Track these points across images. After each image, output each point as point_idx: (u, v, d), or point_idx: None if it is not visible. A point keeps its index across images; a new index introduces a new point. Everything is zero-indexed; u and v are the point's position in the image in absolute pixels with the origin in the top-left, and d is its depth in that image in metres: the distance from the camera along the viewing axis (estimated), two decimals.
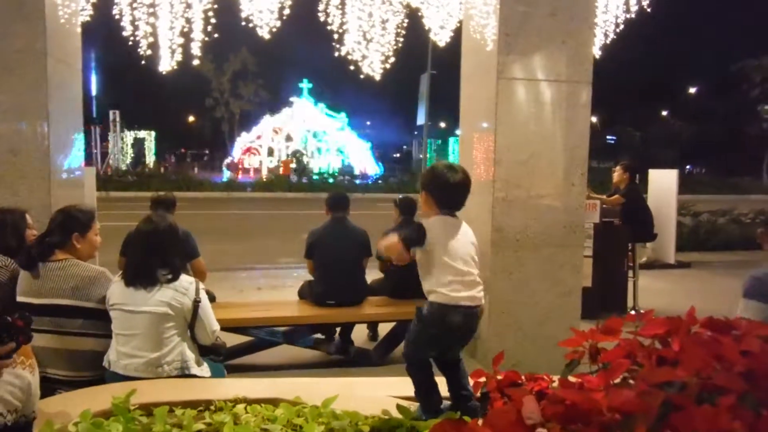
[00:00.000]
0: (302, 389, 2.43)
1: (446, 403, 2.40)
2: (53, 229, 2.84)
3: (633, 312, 6.37)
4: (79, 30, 3.98)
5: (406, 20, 5.61)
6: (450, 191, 2.46)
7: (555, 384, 2.38)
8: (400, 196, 5.34)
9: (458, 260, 2.41)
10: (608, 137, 45.27)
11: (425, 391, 2.39)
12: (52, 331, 2.72)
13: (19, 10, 3.42)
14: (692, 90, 47.10)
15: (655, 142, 44.81)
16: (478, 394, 2.43)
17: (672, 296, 7.26)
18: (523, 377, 2.43)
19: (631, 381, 1.81)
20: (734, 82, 32.88)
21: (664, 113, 49.50)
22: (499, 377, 2.43)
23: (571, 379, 2.01)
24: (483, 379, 2.47)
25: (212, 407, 2.27)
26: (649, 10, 5.80)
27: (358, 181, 28.65)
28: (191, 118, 48.80)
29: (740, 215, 11.89)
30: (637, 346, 1.85)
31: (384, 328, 5.07)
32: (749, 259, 10.06)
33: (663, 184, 8.24)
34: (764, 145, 33.86)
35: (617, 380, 1.78)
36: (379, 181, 28.58)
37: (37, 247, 2.80)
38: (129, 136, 39.20)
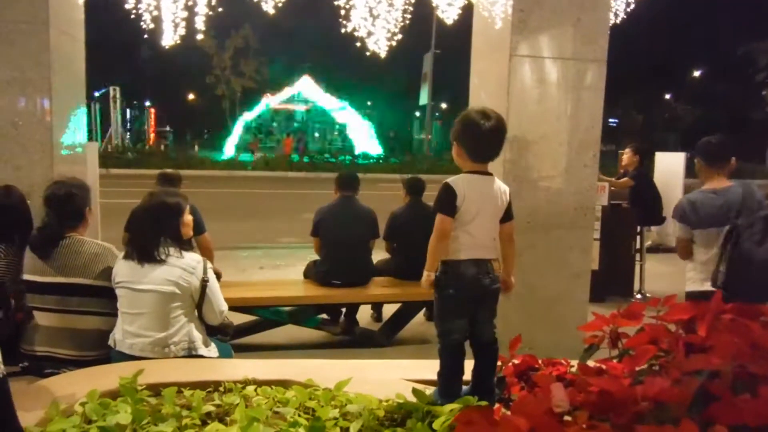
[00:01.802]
0: (313, 371, 2.38)
1: (464, 387, 2.35)
2: (67, 210, 2.77)
3: (639, 296, 6.34)
4: (81, 1, 3.87)
5: None
6: (482, 140, 2.32)
7: (573, 369, 2.34)
8: (408, 176, 5.27)
9: (481, 223, 2.33)
10: (610, 120, 44.99)
11: (451, 375, 2.33)
12: (57, 310, 2.67)
13: None
14: (696, 73, 46.74)
15: (658, 125, 44.59)
16: (496, 378, 2.39)
17: (678, 280, 7.19)
18: (540, 362, 2.38)
19: (655, 368, 1.76)
20: (739, 66, 32.59)
21: (668, 96, 49.20)
22: (516, 361, 2.39)
23: (591, 363, 1.97)
24: (499, 363, 2.43)
25: (221, 388, 2.23)
26: None
27: (360, 161, 28.52)
28: (191, 96, 48.46)
29: None
30: (663, 332, 1.80)
31: (388, 310, 5.04)
32: None
33: (669, 168, 8.16)
34: None
35: (642, 366, 1.73)
36: (380, 161, 28.45)
37: (49, 230, 2.73)
38: (128, 113, 38.99)
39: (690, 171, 7.92)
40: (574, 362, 2.30)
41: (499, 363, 2.39)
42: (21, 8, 3.34)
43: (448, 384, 2.29)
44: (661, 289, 6.40)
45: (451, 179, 2.33)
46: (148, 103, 41.77)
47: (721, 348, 1.43)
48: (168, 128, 42.02)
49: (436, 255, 2.32)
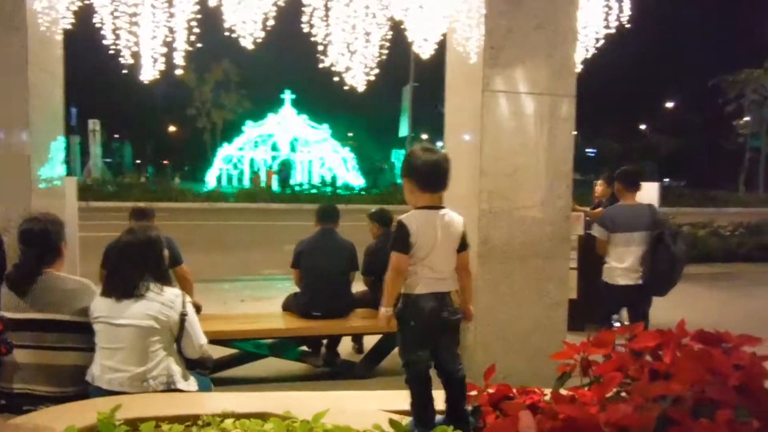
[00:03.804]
0: (291, 403, 2.40)
1: (439, 417, 2.38)
2: (44, 247, 2.77)
3: (618, 324, 6.41)
4: (60, 38, 3.93)
5: (390, 33, 5.63)
6: (430, 172, 2.47)
7: (547, 397, 2.38)
8: (373, 210, 5.32)
9: (437, 257, 2.42)
10: (588, 150, 45.85)
11: (421, 404, 2.38)
12: (33, 346, 2.66)
13: (1, 17, 3.36)
14: (669, 105, 47.93)
15: (634, 155, 45.45)
16: (470, 408, 2.42)
17: (655, 308, 7.31)
18: (514, 390, 2.42)
19: (623, 394, 1.81)
20: (711, 97, 33.59)
21: (643, 127, 50.31)
22: (490, 391, 2.42)
23: (563, 392, 2.01)
24: (474, 393, 2.47)
25: (200, 422, 2.23)
26: (628, 26, 5.88)
27: (341, 192, 28.60)
28: (172, 128, 48.43)
29: (720, 228, 12.07)
30: (629, 359, 1.86)
31: (369, 341, 5.04)
32: (729, 272, 10.22)
33: (645, 197, 8.30)
34: (740, 159, 34.48)
35: (610, 393, 1.78)
36: (362, 192, 28.55)
37: (27, 268, 2.72)
38: (109, 146, 38.80)
39: (667, 200, 8.09)
40: (547, 390, 2.35)
41: (474, 392, 2.42)
42: (1, 46, 3.38)
43: (420, 413, 2.34)
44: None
45: (403, 216, 2.43)
46: (128, 137, 41.61)
47: (682, 374, 1.49)
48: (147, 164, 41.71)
49: (393, 292, 2.40)
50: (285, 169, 35.25)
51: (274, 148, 35.77)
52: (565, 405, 1.52)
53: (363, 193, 28.31)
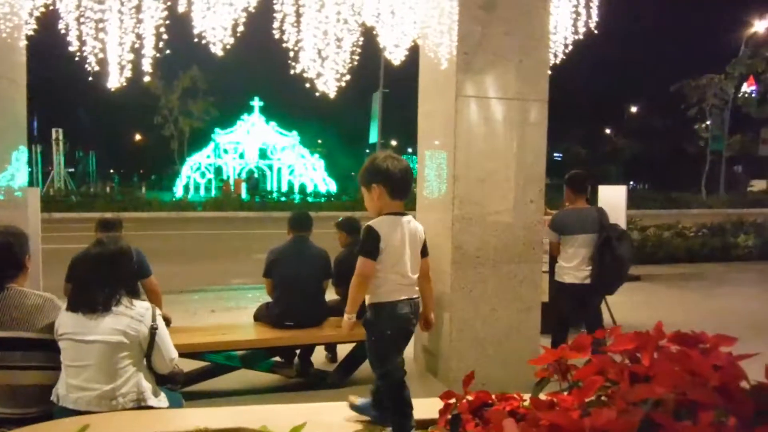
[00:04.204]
0: (267, 417, 2.34)
1: None
2: (7, 261, 2.65)
3: (584, 331, 6.47)
4: (23, 44, 3.81)
5: (362, 39, 5.62)
6: (398, 178, 2.51)
7: (526, 403, 2.37)
8: (340, 219, 5.28)
9: (406, 263, 2.46)
10: (555, 154, 46.55)
11: (403, 413, 2.36)
12: None
13: None
14: (634, 109, 48.98)
15: (600, 159, 46.32)
16: (449, 416, 2.39)
17: (626, 309, 7.42)
18: (493, 397, 2.40)
19: (603, 398, 1.81)
20: (674, 102, 34.39)
21: (608, 131, 51.31)
22: (469, 398, 2.40)
23: (543, 397, 2.00)
24: (453, 401, 2.44)
25: None
26: (596, 32, 5.97)
27: (310, 199, 28.45)
28: (138, 137, 47.65)
29: (684, 229, 12.33)
30: (609, 363, 1.86)
31: (343, 350, 4.99)
32: (694, 272, 10.44)
33: (612, 200, 8.44)
34: (702, 162, 35.36)
35: (591, 398, 1.78)
36: (332, 199, 28.48)
37: None
38: (73, 155, 38.00)
39: (632, 202, 8.22)
40: (527, 396, 2.34)
41: (453, 400, 2.40)
42: None
43: (401, 422, 2.31)
44: (609, 319, 6.57)
45: (373, 222, 2.44)
46: (92, 146, 40.83)
47: (663, 377, 1.48)
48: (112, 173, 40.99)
49: (359, 298, 2.43)
50: (253, 178, 34.96)
51: (242, 155, 35.46)
52: (547, 411, 1.50)
53: (333, 200, 28.22)
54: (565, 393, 1.96)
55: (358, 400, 2.51)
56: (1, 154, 3.48)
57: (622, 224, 8.48)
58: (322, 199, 28.36)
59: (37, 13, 4.21)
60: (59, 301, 2.72)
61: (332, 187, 34.39)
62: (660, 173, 46.78)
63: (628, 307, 7.57)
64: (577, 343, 2.04)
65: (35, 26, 4.22)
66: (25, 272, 2.74)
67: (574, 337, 2.16)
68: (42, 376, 2.60)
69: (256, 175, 35.57)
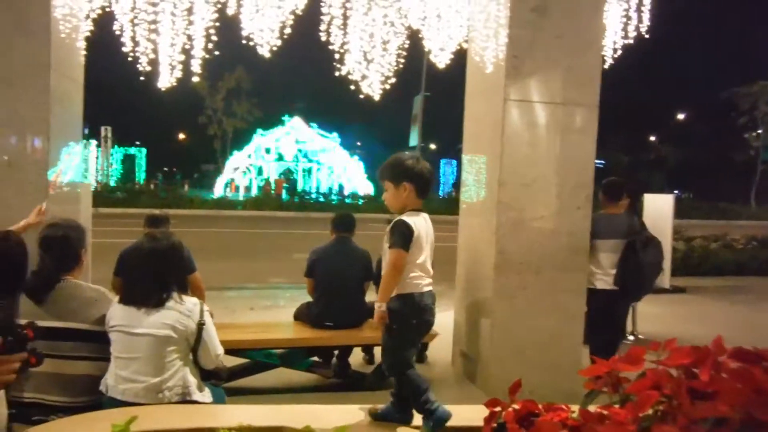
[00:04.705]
0: (309, 417, 2.34)
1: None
2: (64, 254, 2.72)
3: (632, 338, 6.33)
4: (82, 45, 3.92)
5: (407, 42, 5.61)
6: (427, 179, 2.69)
7: (575, 414, 2.31)
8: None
9: (427, 258, 2.61)
10: (597, 161, 45.51)
11: (421, 393, 2.46)
12: (48, 355, 2.60)
13: (25, 24, 3.36)
14: (680, 116, 47.76)
15: (643, 166, 45.26)
16: (494, 425, 2.36)
17: (670, 321, 7.24)
18: (540, 407, 2.35)
19: (659, 414, 1.75)
20: (723, 109, 33.41)
21: (653, 138, 50.14)
22: (515, 407, 2.35)
23: (592, 409, 1.95)
24: (498, 408, 2.40)
25: None
26: (647, 36, 5.83)
27: (348, 201, 28.58)
28: (182, 136, 48.70)
29: (732, 240, 11.95)
30: (665, 377, 1.80)
31: (380, 352, 4.98)
32: (742, 285, 10.11)
33: (658, 209, 8.24)
34: (752, 172, 34.24)
35: (646, 413, 1.72)
36: (370, 201, 28.55)
37: (45, 275, 2.68)
38: (119, 152, 39.06)
39: (677, 212, 8.01)
40: (574, 407, 2.28)
41: (498, 408, 2.36)
42: (23, 51, 3.38)
43: (427, 403, 2.41)
44: (653, 331, 6.41)
45: (404, 217, 2.56)
46: (139, 143, 41.90)
47: (727, 394, 1.42)
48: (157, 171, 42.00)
49: (392, 289, 2.52)
50: (291, 178, 35.34)
51: (282, 156, 35.88)
52: (602, 425, 1.46)
53: (371, 202, 28.29)
54: (616, 406, 1.91)
55: (379, 407, 2.58)
56: (59, 150, 3.58)
57: (668, 234, 8.31)
58: (361, 201, 28.44)
59: (93, 15, 4.33)
60: (111, 294, 2.78)
61: (370, 189, 34.49)
62: (705, 183, 45.47)
63: (673, 319, 7.37)
64: (629, 355, 1.99)
65: (91, 27, 4.34)
66: (81, 265, 2.81)
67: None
68: (92, 367, 2.66)
69: (293, 176, 35.95)
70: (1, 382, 1.52)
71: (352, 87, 5.54)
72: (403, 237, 2.50)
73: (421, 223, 2.59)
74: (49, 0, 3.44)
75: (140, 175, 39.86)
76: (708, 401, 1.48)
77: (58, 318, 2.62)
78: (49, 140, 3.44)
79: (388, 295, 2.51)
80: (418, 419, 2.52)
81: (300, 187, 34.53)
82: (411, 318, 2.53)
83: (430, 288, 2.61)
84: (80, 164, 3.96)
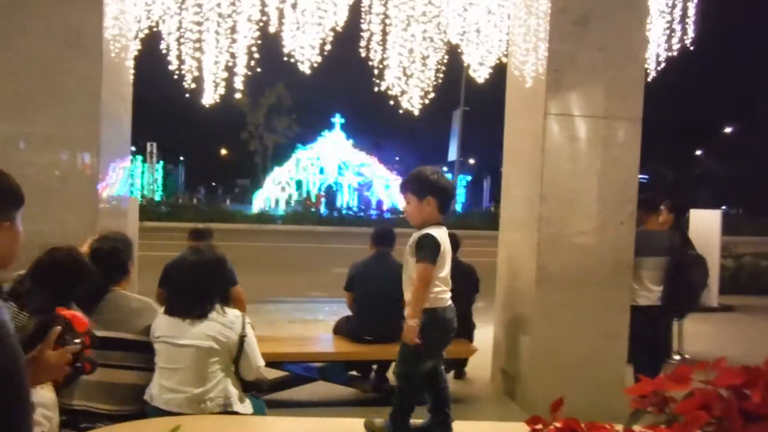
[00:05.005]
0: (348, 430, 2.35)
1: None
2: (113, 266, 2.81)
3: (678, 357, 6.15)
4: (130, 63, 4.06)
5: (446, 57, 5.64)
6: (450, 195, 2.75)
7: None
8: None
9: (448, 271, 2.64)
10: (640, 176, 44.51)
11: (409, 411, 2.57)
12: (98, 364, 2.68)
13: (78, 44, 3.50)
14: (728, 129, 46.42)
15: (689, 181, 44.07)
16: None
17: (717, 341, 7.01)
18: (583, 425, 2.31)
19: None
20: None
21: (698, 152, 48.83)
22: (557, 425, 2.31)
23: (637, 429, 1.91)
24: (540, 426, 2.36)
25: None
26: (692, 48, 5.72)
27: (387, 215, 28.64)
28: (224, 151, 49.71)
29: None
30: (715, 397, 1.74)
31: None
32: None
33: (705, 225, 8.02)
34: None
35: None
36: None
37: (95, 285, 2.76)
38: (163, 167, 40.08)
39: (728, 228, 7.77)
40: (618, 427, 2.23)
41: (539, 425, 2.33)
42: (77, 71, 3.52)
43: (405, 419, 2.57)
44: (700, 350, 6.20)
45: (431, 231, 2.57)
46: (181, 159, 42.94)
47: None
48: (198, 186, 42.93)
49: (422, 303, 2.53)
50: (331, 192, 35.64)
51: (322, 171, 36.25)
52: None
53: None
54: (662, 426, 1.86)
55: (376, 421, 2.56)
56: (109, 166, 3.71)
57: (716, 251, 8.07)
58: (399, 216, 28.46)
59: (141, 35, 4.49)
60: (156, 305, 2.85)
61: None
62: (756, 198, 43.97)
63: (721, 338, 7.13)
64: (676, 374, 1.94)
65: (139, 47, 4.50)
66: (128, 277, 2.90)
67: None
68: (137, 376, 2.73)
69: (332, 191, 36.25)
70: (59, 375, 1.57)
71: (392, 102, 5.59)
72: (432, 250, 2.52)
73: (444, 236, 2.62)
74: (102, 22, 3.57)
75: (182, 190, 40.76)
76: (760, 423, 1.43)
77: (106, 328, 2.69)
78: (99, 156, 3.56)
79: (419, 310, 2.51)
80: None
81: (339, 202, 34.78)
82: (434, 331, 2.55)
83: (450, 302, 2.64)
84: (128, 179, 4.09)
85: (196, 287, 2.67)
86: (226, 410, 2.61)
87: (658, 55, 5.62)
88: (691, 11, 5.38)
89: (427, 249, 2.52)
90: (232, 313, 2.70)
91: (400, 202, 33.31)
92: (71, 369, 1.62)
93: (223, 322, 2.63)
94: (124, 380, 2.71)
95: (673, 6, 5.34)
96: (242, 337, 2.65)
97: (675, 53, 5.67)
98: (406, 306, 2.60)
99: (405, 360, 2.62)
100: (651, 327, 4.75)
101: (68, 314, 1.81)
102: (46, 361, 1.51)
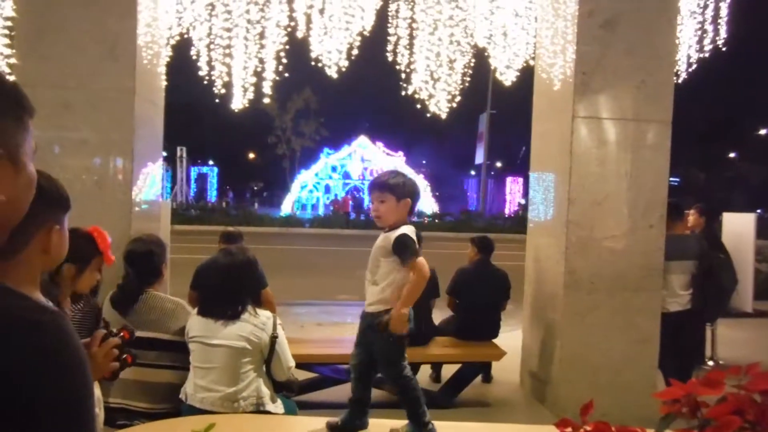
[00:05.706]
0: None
1: None
2: (147, 268, 2.90)
3: (711, 363, 6.04)
4: (162, 70, 4.16)
5: (473, 60, 5.65)
6: (419, 198, 2.87)
7: None
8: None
9: None
10: (671, 178, 43.68)
11: (420, 403, 2.66)
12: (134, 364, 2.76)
13: (112, 51, 3.60)
14: (763, 131, 45.31)
15: (722, 184, 43.14)
16: None
17: (752, 346, 6.86)
18: (613, 429, 2.30)
19: None
20: None
21: (732, 155, 47.79)
22: (587, 428, 2.31)
23: None
24: (569, 430, 2.35)
25: None
26: (724, 49, 5.63)
27: (414, 219, 28.61)
28: (252, 155, 50.25)
29: None
30: (748, 402, 1.72)
31: (447, 370, 4.96)
32: None
33: (739, 229, 7.84)
34: None
35: None
36: (435, 220, 28.48)
37: (130, 287, 2.86)
38: (193, 171, 40.70)
39: (762, 232, 7.59)
40: (650, 431, 2.21)
41: (569, 429, 2.32)
42: (111, 78, 3.62)
43: (422, 414, 2.69)
44: (734, 356, 6.09)
45: (407, 230, 2.68)
46: (211, 163, 43.52)
47: None
48: (228, 189, 43.54)
49: (416, 297, 2.66)
50: (357, 196, 35.75)
51: (349, 175, 36.40)
52: None
53: (436, 220, 28.23)
54: (695, 431, 1.85)
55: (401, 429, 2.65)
56: (142, 170, 3.80)
57: (750, 255, 7.89)
58: (426, 219, 28.42)
59: (173, 42, 4.59)
60: (189, 306, 2.92)
61: (435, 207, 34.42)
62: None
63: (755, 344, 6.98)
64: (708, 378, 1.92)
65: (170, 53, 4.60)
66: (162, 279, 2.98)
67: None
68: (172, 375, 2.80)
69: (360, 194, 36.35)
70: (107, 371, 1.63)
71: (419, 106, 5.61)
72: (416, 247, 2.66)
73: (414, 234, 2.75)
74: (136, 30, 3.67)
75: (212, 194, 41.26)
76: None
77: (141, 328, 2.77)
78: (133, 161, 3.65)
79: (412, 303, 2.64)
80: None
81: (366, 205, 34.88)
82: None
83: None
84: (160, 183, 4.18)
85: (228, 289, 2.73)
86: (259, 410, 2.66)
87: (689, 56, 5.55)
88: (724, 11, 5.31)
89: (412, 246, 2.64)
90: (264, 315, 2.75)
91: (427, 205, 33.04)
92: (117, 363, 1.68)
93: (255, 323, 2.68)
94: (159, 379, 2.78)
95: (705, 6, 5.28)
96: (274, 338, 2.70)
97: (707, 54, 5.59)
98: (391, 303, 2.68)
99: (389, 362, 2.74)
100: (682, 331, 4.68)
101: (92, 229, 2.08)
102: (94, 359, 1.57)
